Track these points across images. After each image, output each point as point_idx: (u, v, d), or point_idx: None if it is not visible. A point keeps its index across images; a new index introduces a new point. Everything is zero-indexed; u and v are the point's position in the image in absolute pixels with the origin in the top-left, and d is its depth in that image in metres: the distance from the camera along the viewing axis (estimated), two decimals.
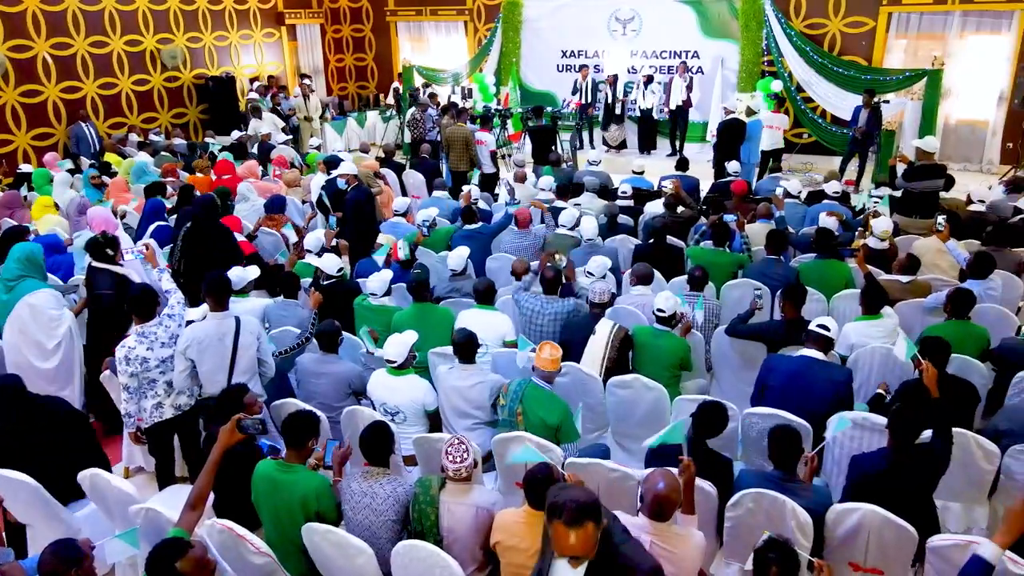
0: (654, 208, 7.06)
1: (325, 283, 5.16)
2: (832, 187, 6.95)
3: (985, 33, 10.93)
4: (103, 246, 4.86)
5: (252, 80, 14.16)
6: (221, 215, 7.14)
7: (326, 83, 16.26)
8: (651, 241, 5.99)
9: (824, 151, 11.61)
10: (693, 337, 4.69)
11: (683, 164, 8.23)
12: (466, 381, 3.92)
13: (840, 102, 11.02)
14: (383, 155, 9.49)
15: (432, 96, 12.39)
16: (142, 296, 3.88)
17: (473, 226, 6.36)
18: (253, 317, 4.19)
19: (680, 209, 6.63)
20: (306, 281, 5.65)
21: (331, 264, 5.19)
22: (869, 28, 11.52)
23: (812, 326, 4.01)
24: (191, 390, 3.99)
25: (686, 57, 12.36)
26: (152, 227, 6.67)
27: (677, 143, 12.05)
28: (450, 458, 3.00)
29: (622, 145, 12.72)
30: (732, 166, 8.02)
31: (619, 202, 7.17)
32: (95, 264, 4.89)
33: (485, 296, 4.72)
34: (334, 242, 6.12)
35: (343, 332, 4.43)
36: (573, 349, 4.44)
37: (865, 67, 11.33)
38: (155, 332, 3.85)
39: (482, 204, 7.36)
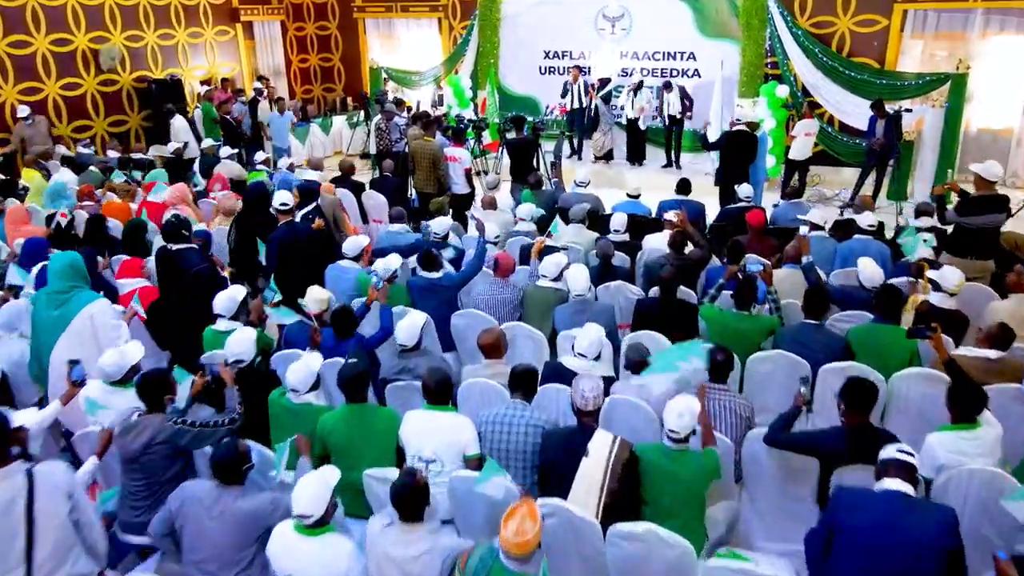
0: (655, 243, 5.86)
1: (234, 368, 3.88)
2: (866, 219, 5.79)
3: (1010, 33, 9.88)
4: (179, 227, 5.00)
5: (203, 83, 12.82)
6: (137, 254, 5.91)
7: (288, 85, 14.94)
8: (656, 294, 4.81)
9: (832, 161, 10.54)
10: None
11: (685, 187, 7.01)
12: (408, 549, 2.67)
13: (852, 108, 9.98)
14: (340, 172, 8.22)
15: (399, 102, 11.12)
16: None
17: (434, 275, 5.04)
18: (59, 466, 2.87)
19: (688, 249, 5.45)
20: (221, 354, 4.40)
21: (240, 344, 3.91)
22: (882, 27, 10.42)
23: (893, 452, 2.84)
24: None
25: (681, 59, 11.24)
26: (37, 268, 5.36)
27: (672, 153, 10.95)
28: None
29: (608, 155, 11.55)
30: (744, 190, 6.81)
31: (613, 236, 5.98)
32: (175, 247, 4.93)
33: (438, 394, 3.41)
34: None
35: (252, 451, 3.20)
36: (556, 472, 3.25)
37: (879, 70, 10.26)
38: None
39: (451, 238, 6.08)
